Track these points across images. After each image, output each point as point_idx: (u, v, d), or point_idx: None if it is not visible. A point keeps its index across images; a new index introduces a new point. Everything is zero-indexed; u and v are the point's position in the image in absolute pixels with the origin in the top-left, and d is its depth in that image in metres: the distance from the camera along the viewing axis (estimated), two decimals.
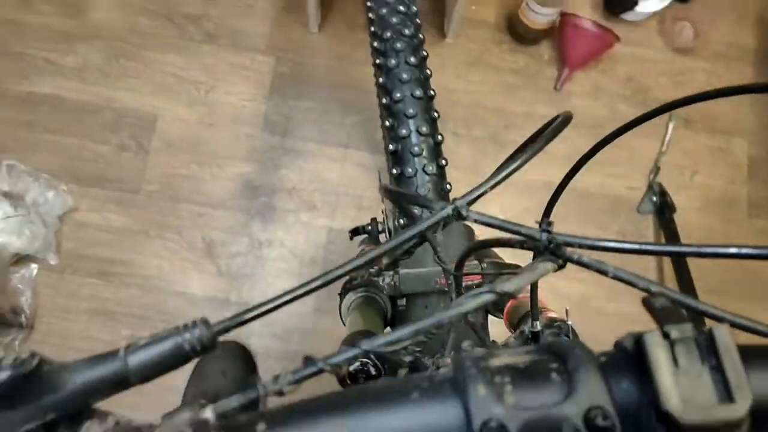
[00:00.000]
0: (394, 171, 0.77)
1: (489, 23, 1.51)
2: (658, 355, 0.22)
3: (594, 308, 1.35)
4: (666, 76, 1.49)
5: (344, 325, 0.74)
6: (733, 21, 1.54)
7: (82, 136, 1.41)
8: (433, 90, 0.74)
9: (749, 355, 0.23)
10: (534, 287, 0.47)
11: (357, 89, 1.45)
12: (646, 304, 0.24)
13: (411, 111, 0.70)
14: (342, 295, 0.75)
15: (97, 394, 0.26)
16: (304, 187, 1.41)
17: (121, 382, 0.26)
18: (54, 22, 1.47)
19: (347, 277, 0.77)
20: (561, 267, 0.30)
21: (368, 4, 0.77)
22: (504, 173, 0.35)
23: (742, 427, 0.21)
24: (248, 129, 1.43)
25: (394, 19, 0.73)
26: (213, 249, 1.37)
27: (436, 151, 0.76)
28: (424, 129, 0.71)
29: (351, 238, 0.86)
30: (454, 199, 0.33)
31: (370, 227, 0.81)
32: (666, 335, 0.22)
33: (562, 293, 1.34)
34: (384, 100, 0.72)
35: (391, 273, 0.73)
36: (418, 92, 0.71)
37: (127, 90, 1.44)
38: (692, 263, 1.33)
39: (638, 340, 0.22)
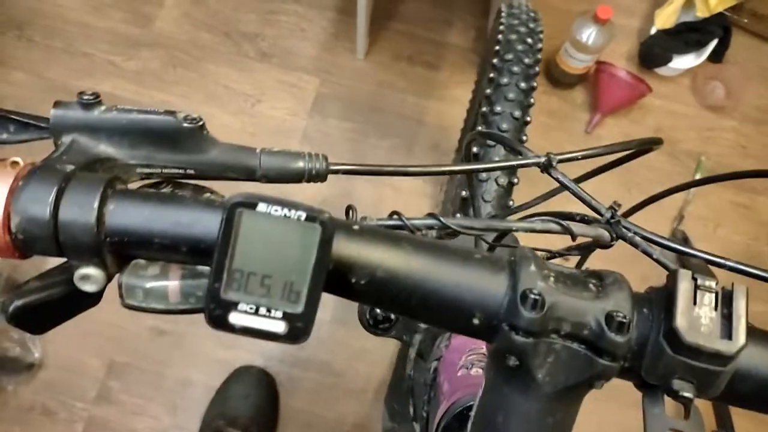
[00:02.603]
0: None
1: None
2: (683, 287, 0.26)
3: None
4: (695, 130, 1.53)
5: None
6: (766, 84, 1.58)
7: None
8: (530, 117, 0.79)
9: (756, 330, 0.28)
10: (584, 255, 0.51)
11: (396, 115, 1.52)
12: (682, 261, 0.29)
13: (505, 126, 0.76)
14: None
15: (231, 172, 0.33)
16: (335, 201, 1.46)
17: (250, 172, 0.33)
18: (122, 28, 1.59)
19: None
20: (612, 241, 0.36)
21: (500, 28, 0.84)
22: (597, 150, 0.41)
23: (727, 366, 0.26)
24: (287, 142, 1.50)
25: (520, 47, 0.80)
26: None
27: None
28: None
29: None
30: (548, 153, 0.39)
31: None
32: (694, 279, 0.27)
33: None
34: (484, 108, 0.78)
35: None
36: (517, 113, 0.77)
37: (180, 96, 1.54)
38: None
39: (673, 275, 0.27)
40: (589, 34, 1.40)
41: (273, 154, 0.33)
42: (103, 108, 0.30)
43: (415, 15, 1.63)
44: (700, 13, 1.51)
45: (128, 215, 0.26)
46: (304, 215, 0.25)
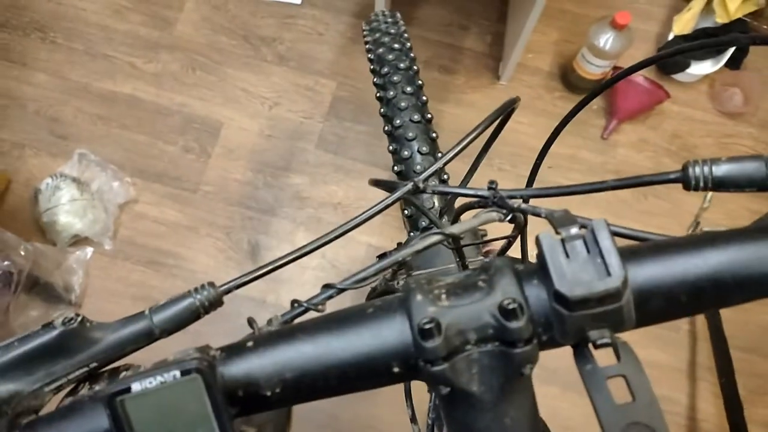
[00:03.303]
0: None
1: (543, 71, 1.58)
2: (549, 247, 0.26)
3: None
4: (712, 137, 1.52)
5: None
6: None
7: (151, 135, 1.52)
8: (431, 114, 0.80)
9: (627, 251, 0.28)
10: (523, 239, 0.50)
11: None
12: (548, 218, 0.28)
13: (411, 135, 0.76)
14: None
15: (130, 345, 0.33)
16: (350, 203, 1.47)
17: (148, 336, 0.33)
18: (142, 31, 1.61)
19: (369, 289, 0.82)
20: (507, 215, 0.37)
21: (367, 47, 0.85)
22: (454, 152, 0.42)
23: (621, 299, 0.25)
24: (303, 144, 1.52)
25: (390, 56, 0.80)
26: (257, 252, 1.43)
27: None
28: (424, 149, 0.77)
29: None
30: (414, 180, 0.40)
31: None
32: (558, 233, 0.27)
33: None
34: (387, 128, 0.79)
35: (404, 275, 0.77)
36: (417, 117, 0.78)
37: (199, 99, 1.56)
38: (726, 322, 1.32)
39: (537, 239, 0.27)
40: (606, 40, 1.40)
41: (161, 309, 0.33)
42: None
43: (432, 20, 1.63)
44: (720, 18, 1.51)
45: None
46: (178, 373, 0.25)
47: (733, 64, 1.57)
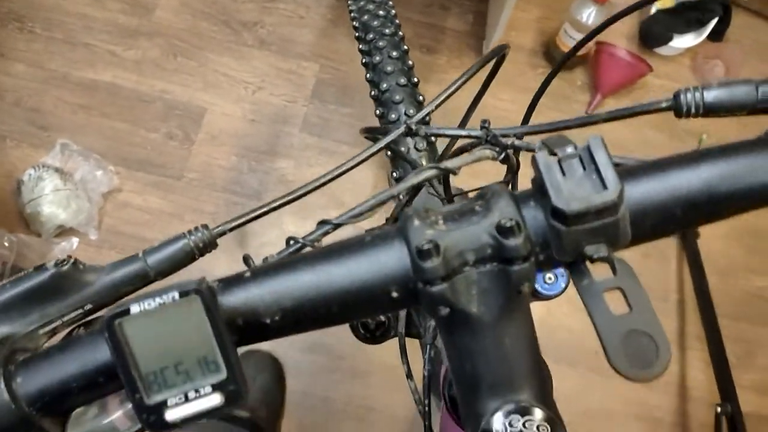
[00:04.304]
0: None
1: (526, 48, 1.58)
2: (545, 165, 0.27)
3: None
4: None
5: None
6: (765, 62, 1.58)
7: (133, 123, 1.51)
8: (417, 78, 0.80)
9: (623, 170, 0.28)
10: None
11: None
12: (544, 143, 0.28)
13: (397, 98, 0.76)
14: None
15: (124, 287, 0.32)
16: (336, 186, 1.46)
17: (142, 278, 0.32)
18: (121, 18, 1.59)
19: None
20: (500, 153, 0.37)
21: (352, 16, 0.86)
22: (444, 96, 0.42)
23: (618, 212, 0.26)
24: (287, 128, 1.51)
25: (376, 22, 0.81)
26: (244, 238, 1.43)
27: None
28: (411, 111, 0.77)
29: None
30: (407, 120, 0.40)
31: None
32: (553, 154, 0.27)
33: (581, 306, 1.35)
34: (374, 93, 0.79)
35: None
36: (403, 80, 0.78)
37: (181, 84, 1.54)
38: (713, 290, 1.33)
39: (534, 160, 0.27)
40: (588, 14, 1.40)
41: (155, 251, 0.32)
42: None
43: (413, 0, 1.63)
44: None
45: (37, 379, 0.27)
46: (176, 294, 0.25)
47: (715, 36, 1.58)
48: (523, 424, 0.28)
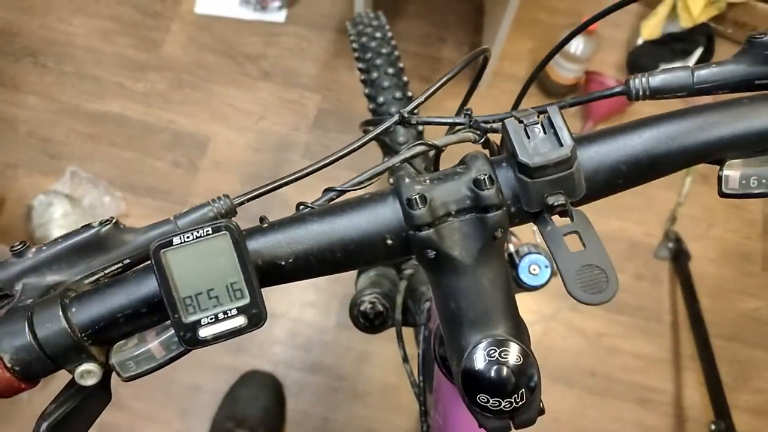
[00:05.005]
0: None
1: (519, 77, 1.64)
2: (513, 129, 0.33)
3: (607, 346, 1.37)
4: None
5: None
6: None
7: (141, 151, 1.56)
8: (411, 92, 0.85)
9: (578, 137, 0.34)
10: None
11: None
12: (513, 114, 0.34)
13: (393, 110, 0.82)
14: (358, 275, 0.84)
15: None
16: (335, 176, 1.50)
17: None
18: (130, 52, 1.66)
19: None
20: (481, 137, 0.42)
21: (351, 39, 0.92)
22: (433, 88, 0.47)
23: (572, 166, 0.32)
24: (290, 155, 1.56)
25: (373, 44, 0.87)
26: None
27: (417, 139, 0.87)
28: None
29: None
30: (400, 111, 0.44)
31: None
32: (520, 121, 0.33)
33: (577, 328, 1.38)
34: (371, 106, 0.85)
35: None
36: (398, 94, 0.83)
37: (187, 115, 1.60)
38: (706, 311, 1.36)
39: (503, 125, 0.33)
40: (577, 45, 1.46)
41: (184, 215, 0.37)
42: (33, 249, 0.35)
43: (411, 32, 1.70)
44: (684, 23, 1.58)
45: (89, 309, 0.31)
46: (210, 230, 0.30)
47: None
48: (500, 355, 0.33)
